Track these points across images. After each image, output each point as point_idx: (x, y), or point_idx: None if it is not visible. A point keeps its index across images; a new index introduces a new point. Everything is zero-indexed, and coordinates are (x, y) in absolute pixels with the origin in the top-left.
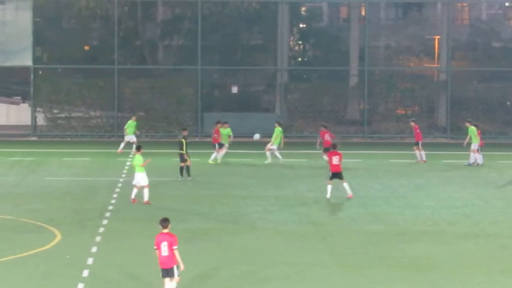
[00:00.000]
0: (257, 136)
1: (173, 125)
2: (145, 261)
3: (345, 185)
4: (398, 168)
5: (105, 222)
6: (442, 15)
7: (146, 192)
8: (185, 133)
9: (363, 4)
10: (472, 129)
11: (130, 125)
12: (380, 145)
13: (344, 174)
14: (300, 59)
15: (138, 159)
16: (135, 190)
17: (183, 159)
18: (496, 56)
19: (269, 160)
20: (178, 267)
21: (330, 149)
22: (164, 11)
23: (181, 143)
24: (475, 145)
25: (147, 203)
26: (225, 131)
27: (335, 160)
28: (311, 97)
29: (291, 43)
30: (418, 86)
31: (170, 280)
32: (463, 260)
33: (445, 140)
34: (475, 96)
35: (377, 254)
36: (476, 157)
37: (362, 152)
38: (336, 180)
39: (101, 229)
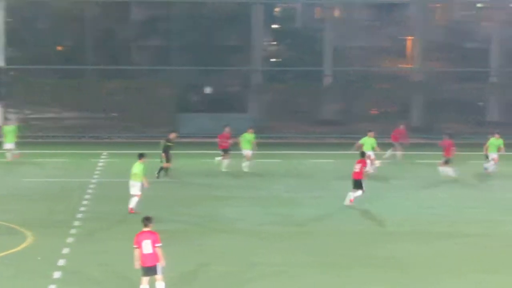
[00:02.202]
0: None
1: (148, 125)
2: (117, 261)
3: (358, 193)
4: (378, 169)
5: (77, 223)
6: (416, 16)
7: (134, 200)
8: (172, 135)
9: (337, 5)
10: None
11: (10, 131)
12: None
13: (320, 174)
14: (274, 59)
15: (138, 167)
16: (134, 199)
17: (167, 160)
18: (469, 56)
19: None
20: (161, 265)
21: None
22: (138, 12)
23: (166, 145)
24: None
25: (132, 211)
26: (249, 136)
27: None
28: (285, 97)
29: (265, 43)
30: (393, 87)
31: (156, 278)
32: (444, 260)
33: (420, 141)
34: (449, 96)
35: (356, 254)
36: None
37: (337, 152)
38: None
39: (73, 230)
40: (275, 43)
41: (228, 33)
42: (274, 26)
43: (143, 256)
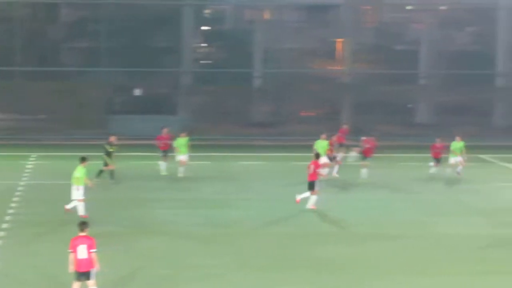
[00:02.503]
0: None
1: (77, 127)
2: (48, 264)
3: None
4: (303, 171)
5: (5, 226)
6: (346, 18)
7: (74, 203)
8: (112, 138)
9: (267, 7)
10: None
11: None
12: (285, 147)
13: (249, 176)
14: (204, 61)
15: (81, 171)
16: (81, 205)
17: (108, 163)
18: (398, 59)
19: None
20: (95, 270)
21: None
22: (67, 13)
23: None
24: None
25: (68, 210)
26: (183, 140)
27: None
28: (215, 99)
29: (195, 45)
30: (322, 89)
31: (88, 284)
32: (368, 262)
33: (349, 142)
34: (379, 98)
35: (282, 255)
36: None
37: (266, 154)
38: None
39: (2, 233)
40: (205, 44)
41: (158, 34)
42: (204, 28)
43: (78, 261)
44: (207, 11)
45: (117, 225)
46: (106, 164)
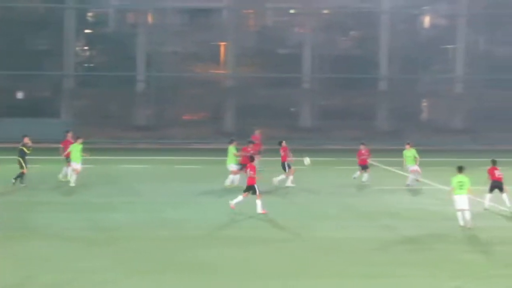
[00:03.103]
0: (307, 161)
1: None
2: None
3: (258, 202)
4: (185, 174)
5: None
6: (229, 21)
7: None
8: (26, 140)
9: (150, 10)
10: (413, 151)
11: None
12: (167, 150)
13: (132, 179)
14: (86, 64)
15: None
16: None
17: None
18: (281, 62)
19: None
20: None
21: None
22: None
23: (22, 150)
24: (412, 166)
25: None
26: (79, 147)
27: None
28: (98, 103)
29: (77, 48)
30: (205, 92)
31: None
32: (252, 265)
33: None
34: (261, 102)
35: (164, 259)
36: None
37: (149, 157)
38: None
39: None
40: (88, 48)
41: (40, 37)
42: (86, 31)
43: None
44: (89, 14)
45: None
46: (22, 167)
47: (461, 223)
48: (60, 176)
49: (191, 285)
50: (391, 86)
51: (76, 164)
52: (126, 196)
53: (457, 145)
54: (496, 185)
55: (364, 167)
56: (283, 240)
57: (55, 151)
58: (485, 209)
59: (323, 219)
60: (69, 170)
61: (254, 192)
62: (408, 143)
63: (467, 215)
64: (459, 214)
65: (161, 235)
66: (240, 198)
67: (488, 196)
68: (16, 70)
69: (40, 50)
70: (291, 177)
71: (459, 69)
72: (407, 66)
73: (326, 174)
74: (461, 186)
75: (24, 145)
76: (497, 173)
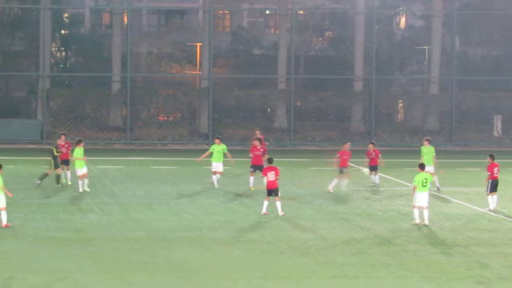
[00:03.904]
0: (366, 171)
1: None
2: None
3: (278, 204)
4: (160, 175)
5: None
6: (204, 22)
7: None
8: (59, 141)
9: (125, 11)
10: (431, 149)
11: None
12: (142, 151)
13: (107, 180)
14: (62, 65)
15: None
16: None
17: (56, 166)
18: (257, 63)
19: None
20: None
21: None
22: None
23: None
24: (430, 167)
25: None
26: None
27: (270, 176)
28: (73, 103)
29: (53, 49)
30: (180, 93)
31: None
32: (224, 265)
33: (206, 147)
34: (237, 103)
35: (139, 260)
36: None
37: (125, 158)
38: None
39: None
40: (63, 48)
41: (16, 38)
42: (62, 31)
43: None
44: (65, 15)
45: None
46: (51, 168)
47: (417, 221)
48: (64, 180)
49: (167, 286)
50: (366, 87)
51: (80, 170)
52: (101, 197)
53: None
54: (496, 184)
55: (373, 167)
56: (257, 241)
57: (31, 152)
58: (490, 210)
59: (297, 220)
60: (68, 175)
61: (276, 194)
62: (428, 139)
63: (426, 213)
64: (415, 211)
65: (137, 236)
66: (265, 203)
67: (494, 197)
68: None
69: (15, 51)
70: (346, 181)
71: (434, 70)
72: (383, 67)
73: (301, 175)
74: (425, 183)
75: (56, 146)
76: (496, 170)
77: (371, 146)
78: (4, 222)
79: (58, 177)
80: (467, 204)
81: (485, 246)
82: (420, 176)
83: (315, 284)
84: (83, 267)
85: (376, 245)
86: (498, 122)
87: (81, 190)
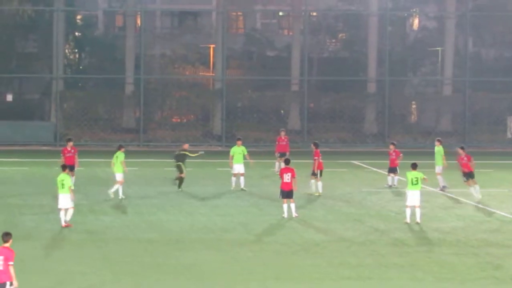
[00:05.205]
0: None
1: None
2: None
3: (292, 205)
4: (174, 176)
5: None
6: (217, 24)
7: (70, 213)
8: (186, 146)
9: (139, 13)
10: (440, 149)
11: None
12: (156, 153)
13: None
14: (75, 67)
15: (67, 178)
16: (62, 213)
17: (180, 170)
18: (270, 65)
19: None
20: (11, 283)
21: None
22: None
23: (183, 155)
24: (439, 167)
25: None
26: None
27: (286, 177)
28: (87, 105)
29: (66, 51)
30: (194, 95)
31: None
32: (237, 267)
33: (220, 148)
34: (250, 104)
35: (152, 262)
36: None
37: (138, 160)
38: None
39: None
40: (76, 50)
41: (29, 40)
42: (76, 33)
43: None
44: (78, 17)
45: None
46: (182, 171)
47: (408, 220)
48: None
49: (180, 287)
50: (379, 88)
51: (120, 175)
52: (115, 198)
53: (446, 147)
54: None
55: (392, 169)
56: (270, 242)
57: (44, 154)
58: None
59: (310, 221)
60: (73, 179)
61: (291, 196)
62: (438, 139)
63: (418, 211)
64: (407, 210)
65: (150, 238)
66: (285, 206)
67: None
68: (5, 73)
69: (29, 53)
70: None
71: (448, 71)
72: (396, 68)
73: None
74: (415, 181)
75: (184, 150)
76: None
77: (392, 146)
78: (65, 222)
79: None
80: (479, 205)
81: (498, 247)
82: (410, 175)
83: (328, 286)
84: (96, 268)
85: (390, 246)
86: (511, 123)
87: (122, 196)
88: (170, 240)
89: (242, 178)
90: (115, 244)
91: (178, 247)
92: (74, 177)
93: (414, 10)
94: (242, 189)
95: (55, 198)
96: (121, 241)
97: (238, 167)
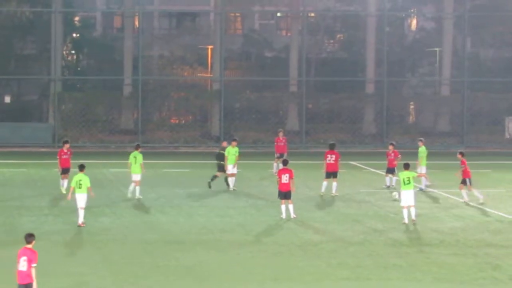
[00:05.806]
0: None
1: None
2: None
3: (290, 206)
4: (172, 178)
5: None
6: (215, 25)
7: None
8: (225, 144)
9: (137, 14)
10: (423, 149)
11: None
12: (154, 154)
13: (119, 183)
14: (73, 68)
15: (84, 178)
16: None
17: (222, 169)
18: (268, 65)
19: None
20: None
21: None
22: None
23: (222, 154)
24: (422, 168)
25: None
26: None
27: (284, 178)
28: (85, 106)
29: (64, 52)
30: (192, 96)
31: None
32: (237, 268)
33: (217, 149)
34: (248, 105)
35: (152, 263)
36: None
37: None
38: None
39: None
40: (74, 52)
41: (27, 41)
42: (74, 35)
43: (19, 273)
44: (76, 18)
45: None
46: (221, 169)
47: (406, 221)
48: (63, 189)
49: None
50: (378, 89)
51: (137, 176)
52: (113, 200)
53: (444, 148)
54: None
55: (390, 170)
56: (269, 243)
57: (42, 155)
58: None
59: (309, 222)
60: (65, 183)
61: (289, 197)
62: (421, 140)
63: (413, 210)
64: (404, 211)
65: (149, 239)
66: (283, 207)
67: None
68: (3, 74)
69: (27, 54)
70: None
71: (446, 71)
72: (394, 69)
73: (313, 178)
74: (407, 181)
75: (221, 148)
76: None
77: (391, 147)
78: (81, 220)
79: (226, 179)
80: (478, 206)
81: (497, 247)
82: (403, 175)
83: (327, 286)
84: (96, 270)
85: (388, 247)
86: (510, 124)
87: (138, 196)
88: (169, 241)
89: (233, 179)
90: (114, 245)
91: (178, 248)
92: (67, 180)
93: (412, 10)
94: (232, 189)
95: (54, 199)
96: (120, 242)
97: (231, 168)
